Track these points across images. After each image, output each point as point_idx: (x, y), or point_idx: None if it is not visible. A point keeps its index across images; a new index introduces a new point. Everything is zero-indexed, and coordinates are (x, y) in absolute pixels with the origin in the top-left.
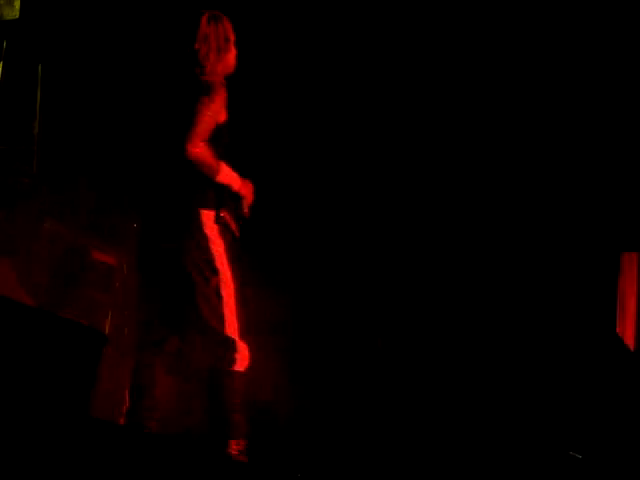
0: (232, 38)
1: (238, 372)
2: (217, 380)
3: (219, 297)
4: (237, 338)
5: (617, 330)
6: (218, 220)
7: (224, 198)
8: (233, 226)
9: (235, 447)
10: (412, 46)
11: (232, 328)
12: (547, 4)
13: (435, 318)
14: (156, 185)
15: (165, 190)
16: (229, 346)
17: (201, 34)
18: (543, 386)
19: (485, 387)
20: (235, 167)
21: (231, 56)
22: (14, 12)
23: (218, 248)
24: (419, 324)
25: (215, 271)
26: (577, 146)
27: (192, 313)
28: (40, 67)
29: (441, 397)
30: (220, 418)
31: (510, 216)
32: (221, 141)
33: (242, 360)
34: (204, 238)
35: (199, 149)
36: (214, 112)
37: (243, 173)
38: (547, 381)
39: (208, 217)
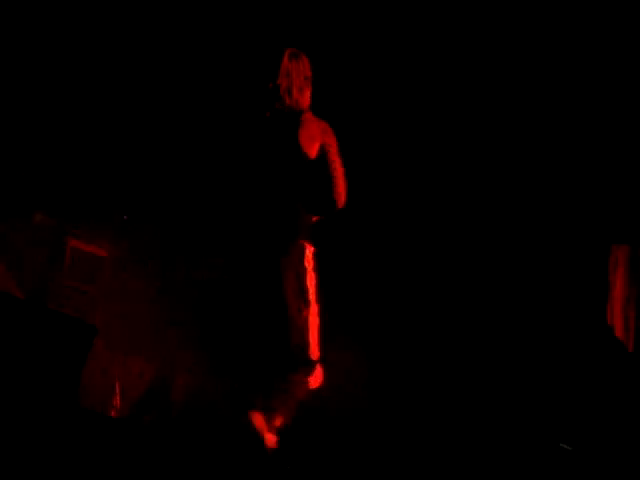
0: (310, 75)
1: (300, 394)
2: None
3: (307, 326)
4: (317, 363)
5: (607, 321)
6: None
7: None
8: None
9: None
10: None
11: (314, 354)
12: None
13: (428, 308)
14: (254, 215)
15: (267, 220)
16: (310, 369)
17: (283, 70)
18: (535, 378)
19: (477, 379)
20: None
21: (308, 92)
22: None
23: (312, 281)
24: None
25: (307, 303)
26: (569, 141)
27: (278, 337)
28: None
29: (432, 388)
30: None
31: (502, 210)
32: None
33: (317, 380)
34: (304, 270)
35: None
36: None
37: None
38: (539, 373)
39: (309, 250)
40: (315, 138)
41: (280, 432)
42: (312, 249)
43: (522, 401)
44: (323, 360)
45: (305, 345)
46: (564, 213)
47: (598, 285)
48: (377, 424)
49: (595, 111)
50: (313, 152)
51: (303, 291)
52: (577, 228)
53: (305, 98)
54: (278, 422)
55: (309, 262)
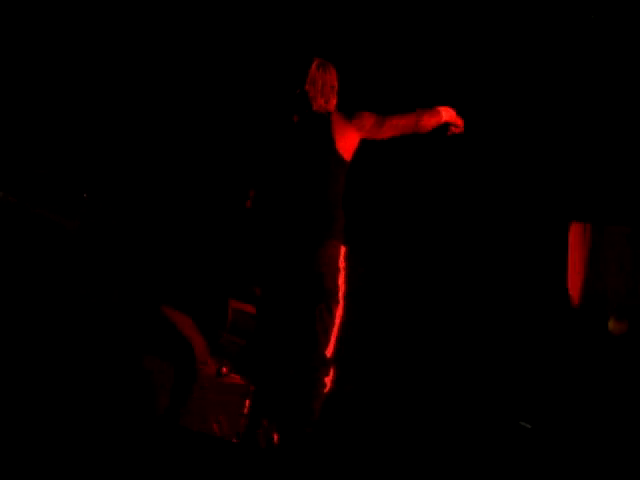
0: (336, 85)
1: (324, 392)
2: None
3: (333, 325)
4: (332, 363)
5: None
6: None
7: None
8: None
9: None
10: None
11: (331, 354)
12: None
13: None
14: (291, 216)
15: (303, 220)
16: (327, 369)
17: (310, 78)
18: (496, 355)
19: (437, 352)
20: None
21: (334, 101)
22: None
23: (342, 282)
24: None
25: (337, 302)
26: (529, 121)
27: (302, 334)
28: None
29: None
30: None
31: (467, 188)
32: None
33: (329, 380)
34: (337, 270)
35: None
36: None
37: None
38: (500, 350)
39: (342, 250)
40: (350, 134)
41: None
42: (344, 249)
43: (482, 378)
44: (336, 361)
45: (328, 344)
46: (527, 194)
47: (558, 260)
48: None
49: (555, 91)
50: (350, 150)
51: (335, 290)
52: (540, 207)
53: (330, 106)
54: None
55: (342, 263)
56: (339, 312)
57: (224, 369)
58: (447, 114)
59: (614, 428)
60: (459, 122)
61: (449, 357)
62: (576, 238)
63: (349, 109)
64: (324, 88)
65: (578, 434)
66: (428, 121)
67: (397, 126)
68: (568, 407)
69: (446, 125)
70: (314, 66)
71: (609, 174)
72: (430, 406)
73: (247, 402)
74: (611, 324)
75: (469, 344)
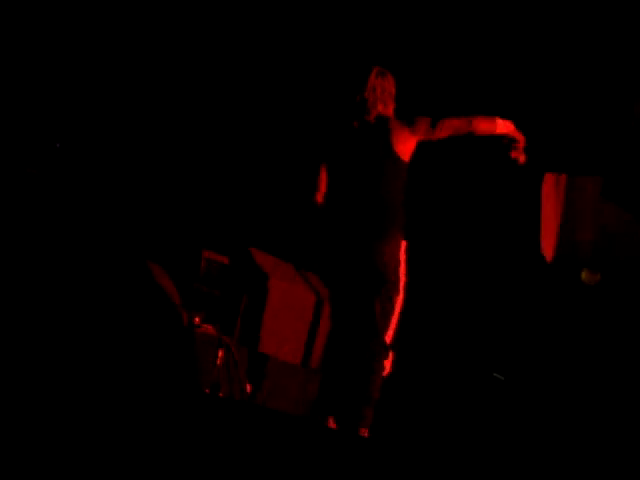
0: (394, 92)
1: (383, 374)
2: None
3: (393, 313)
4: (390, 348)
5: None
6: None
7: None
8: None
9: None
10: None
11: (389, 339)
12: None
13: None
14: (359, 213)
15: (371, 217)
16: (387, 354)
17: (370, 85)
18: (468, 308)
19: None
20: None
21: (391, 108)
22: None
23: (403, 273)
24: None
25: (398, 292)
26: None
27: (365, 321)
28: None
29: None
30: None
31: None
32: None
33: (388, 366)
34: (398, 262)
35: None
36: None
37: None
38: (472, 303)
39: (403, 244)
40: (407, 137)
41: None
42: (405, 243)
43: (456, 329)
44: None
45: (387, 331)
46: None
47: (532, 212)
48: None
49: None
50: (407, 153)
51: (396, 281)
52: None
53: (389, 111)
54: (369, 417)
55: (403, 255)
56: (399, 301)
57: (197, 320)
58: (504, 126)
59: (586, 378)
60: (519, 137)
61: (424, 307)
62: (549, 189)
63: (407, 114)
64: (383, 95)
65: (551, 385)
66: (481, 125)
67: (450, 127)
68: (541, 358)
69: (507, 140)
70: (373, 74)
71: (580, 124)
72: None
73: (220, 353)
74: (584, 275)
75: (443, 297)
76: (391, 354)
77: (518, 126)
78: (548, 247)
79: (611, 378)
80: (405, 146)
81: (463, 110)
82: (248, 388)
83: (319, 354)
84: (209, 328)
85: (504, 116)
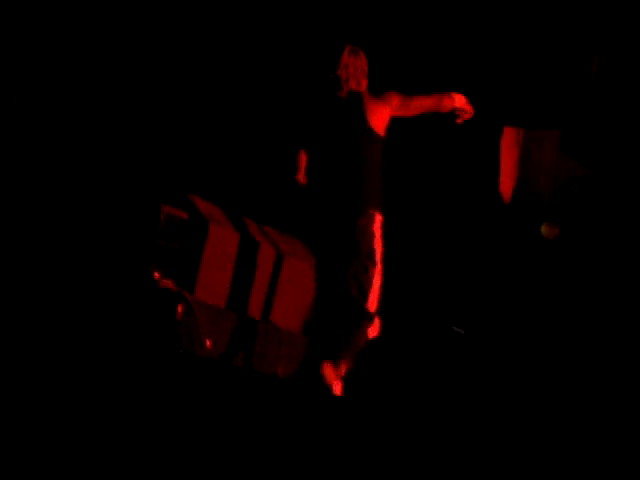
0: (366, 69)
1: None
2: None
3: (371, 283)
4: (375, 315)
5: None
6: None
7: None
8: None
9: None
10: None
11: (372, 307)
12: None
13: None
14: (334, 187)
15: (344, 191)
16: (370, 319)
17: (342, 63)
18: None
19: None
20: None
21: (364, 83)
22: None
23: (379, 245)
24: None
25: (374, 263)
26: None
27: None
28: None
29: None
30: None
31: None
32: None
33: (374, 330)
34: (372, 235)
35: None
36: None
37: None
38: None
39: (378, 218)
40: (381, 111)
41: (344, 379)
42: (380, 217)
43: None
44: (379, 313)
45: (366, 299)
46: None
47: (492, 163)
48: None
49: None
50: (382, 126)
51: (371, 252)
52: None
53: (361, 87)
54: (343, 370)
55: (377, 228)
56: (377, 271)
57: (156, 274)
58: (459, 100)
59: (545, 330)
60: (469, 108)
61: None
62: (508, 142)
63: (378, 89)
64: (356, 72)
65: (510, 338)
66: (447, 103)
67: (421, 106)
68: (501, 311)
69: (455, 112)
70: (346, 52)
71: (539, 78)
72: None
73: (179, 308)
74: (544, 229)
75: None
76: (377, 320)
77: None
78: (507, 199)
79: (569, 332)
80: (379, 119)
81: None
82: (208, 344)
83: (282, 309)
84: (169, 283)
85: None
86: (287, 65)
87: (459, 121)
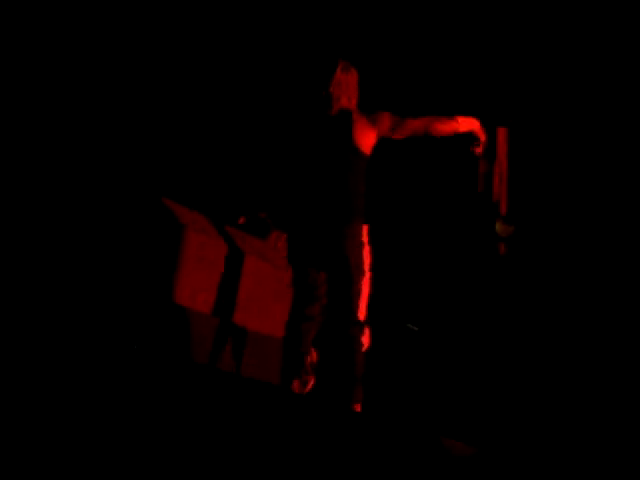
0: (357, 86)
1: (362, 349)
2: (344, 354)
3: (359, 293)
4: (365, 324)
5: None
6: None
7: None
8: None
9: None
10: None
11: (362, 316)
12: None
13: None
14: (320, 200)
15: (331, 204)
16: (361, 330)
17: (335, 80)
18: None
19: None
20: None
21: (354, 101)
22: None
23: (367, 255)
24: None
25: (362, 272)
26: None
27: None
28: None
29: None
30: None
31: None
32: None
33: (365, 341)
34: (360, 245)
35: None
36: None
37: None
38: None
39: (364, 228)
40: (369, 132)
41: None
42: (366, 227)
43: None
44: (369, 323)
45: (356, 308)
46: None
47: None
48: None
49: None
50: (368, 145)
51: (359, 262)
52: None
53: (352, 104)
54: (360, 397)
55: (365, 238)
56: (366, 280)
57: None
58: (467, 125)
59: (500, 327)
60: (481, 136)
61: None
62: (502, 143)
63: (370, 108)
64: (348, 89)
65: (464, 335)
66: (442, 127)
67: (412, 128)
68: (455, 308)
69: (469, 137)
70: (339, 69)
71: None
72: None
73: None
74: (498, 227)
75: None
76: (366, 330)
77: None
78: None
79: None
80: (366, 139)
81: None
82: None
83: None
84: None
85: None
86: (279, 78)
87: (473, 149)
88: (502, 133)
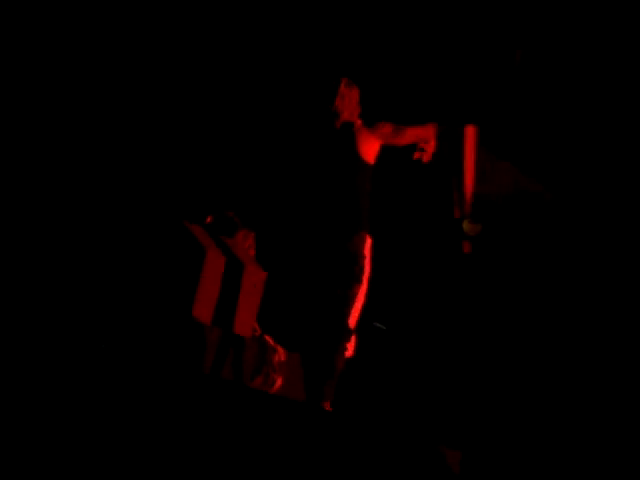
0: (359, 100)
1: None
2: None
3: (353, 301)
4: (353, 332)
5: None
6: None
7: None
8: None
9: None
10: None
11: (353, 324)
12: None
13: None
14: (326, 212)
15: (337, 215)
16: (348, 336)
17: (340, 95)
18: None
19: None
20: None
21: (356, 115)
22: None
23: (367, 266)
24: None
25: (360, 281)
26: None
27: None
28: None
29: None
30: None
31: None
32: None
33: (351, 348)
34: (362, 256)
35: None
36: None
37: None
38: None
39: (368, 241)
40: (371, 141)
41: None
42: (370, 240)
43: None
44: (356, 331)
45: (348, 315)
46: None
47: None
48: None
49: None
50: (371, 154)
51: (359, 272)
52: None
53: (354, 117)
54: (330, 392)
55: (367, 250)
56: (362, 290)
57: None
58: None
59: (469, 324)
60: (430, 144)
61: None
62: (470, 142)
63: (371, 119)
64: (350, 104)
65: (432, 333)
66: (429, 133)
67: (410, 135)
68: (423, 307)
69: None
70: (343, 85)
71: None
72: None
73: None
74: (465, 225)
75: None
76: (353, 338)
77: None
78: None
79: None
80: (369, 149)
81: None
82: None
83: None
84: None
85: None
86: (283, 92)
87: (419, 155)
88: (470, 132)
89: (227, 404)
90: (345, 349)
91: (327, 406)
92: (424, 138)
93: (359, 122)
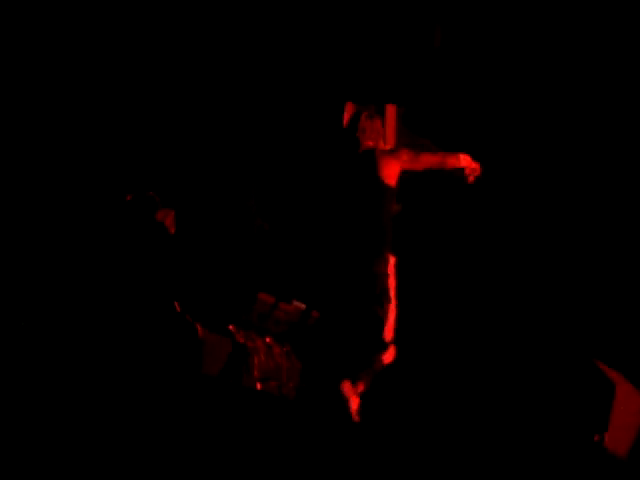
0: (381, 130)
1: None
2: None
3: (387, 317)
4: (390, 344)
5: None
6: None
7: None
8: None
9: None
10: None
11: (389, 337)
12: None
13: None
14: (353, 234)
15: (363, 237)
16: (385, 348)
17: (360, 127)
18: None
19: None
20: None
21: (378, 142)
22: None
23: (392, 283)
24: None
25: (389, 299)
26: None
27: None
28: None
29: None
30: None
31: None
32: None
33: (389, 357)
34: (387, 275)
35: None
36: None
37: None
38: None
39: (392, 260)
40: (392, 165)
41: (361, 397)
42: (393, 259)
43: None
44: (394, 342)
45: (382, 330)
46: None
47: None
48: None
49: None
50: (393, 178)
51: (386, 290)
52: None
53: (377, 144)
54: (361, 389)
55: (391, 269)
56: (392, 306)
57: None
58: (464, 160)
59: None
60: (475, 167)
61: None
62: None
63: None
64: (372, 134)
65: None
66: (451, 161)
67: (427, 162)
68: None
69: (464, 171)
70: (363, 117)
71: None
72: None
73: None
74: None
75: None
76: (391, 348)
77: None
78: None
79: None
80: (391, 172)
81: None
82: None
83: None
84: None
85: None
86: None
87: (469, 180)
88: (391, 110)
89: (238, 408)
90: (380, 361)
91: (355, 404)
92: (442, 164)
93: (381, 147)
